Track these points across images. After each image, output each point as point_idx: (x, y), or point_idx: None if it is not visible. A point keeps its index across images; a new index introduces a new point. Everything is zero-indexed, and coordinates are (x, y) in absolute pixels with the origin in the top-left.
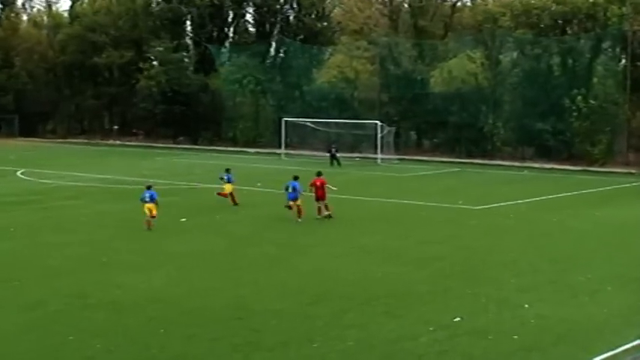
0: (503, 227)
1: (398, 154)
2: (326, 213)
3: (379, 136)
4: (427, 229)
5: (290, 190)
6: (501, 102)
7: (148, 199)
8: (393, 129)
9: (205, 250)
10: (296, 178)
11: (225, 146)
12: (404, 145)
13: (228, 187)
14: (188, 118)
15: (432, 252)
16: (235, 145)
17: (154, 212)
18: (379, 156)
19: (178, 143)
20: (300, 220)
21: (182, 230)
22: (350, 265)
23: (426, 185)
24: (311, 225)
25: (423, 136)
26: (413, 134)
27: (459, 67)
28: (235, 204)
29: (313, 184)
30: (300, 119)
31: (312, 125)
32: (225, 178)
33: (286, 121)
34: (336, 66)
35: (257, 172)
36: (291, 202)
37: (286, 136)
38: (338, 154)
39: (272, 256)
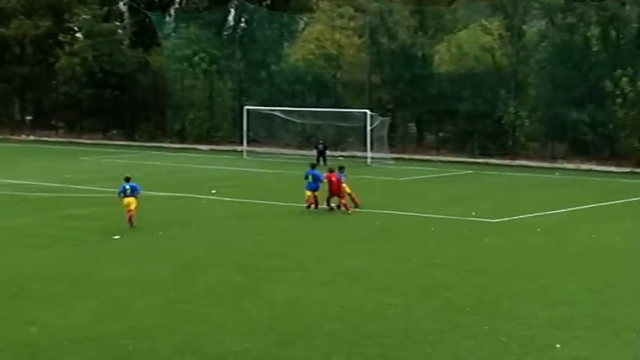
0: (529, 245)
1: (393, 152)
2: (334, 205)
3: (369, 128)
4: (432, 248)
5: (310, 179)
6: (525, 85)
7: (129, 193)
8: (387, 120)
9: (147, 277)
10: (313, 165)
11: (171, 142)
12: (401, 141)
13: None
14: (122, 106)
15: (438, 278)
16: (184, 140)
17: (133, 207)
18: (369, 154)
19: (110, 138)
20: (314, 209)
21: (116, 251)
22: (334, 294)
23: (429, 192)
24: (285, 242)
25: (426, 129)
26: (412, 127)
27: (470, 41)
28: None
29: (328, 179)
30: (268, 108)
31: (283, 115)
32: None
33: (249, 110)
34: (314, 39)
35: (212, 176)
36: (310, 194)
37: (249, 130)
38: (327, 151)
39: (234, 284)
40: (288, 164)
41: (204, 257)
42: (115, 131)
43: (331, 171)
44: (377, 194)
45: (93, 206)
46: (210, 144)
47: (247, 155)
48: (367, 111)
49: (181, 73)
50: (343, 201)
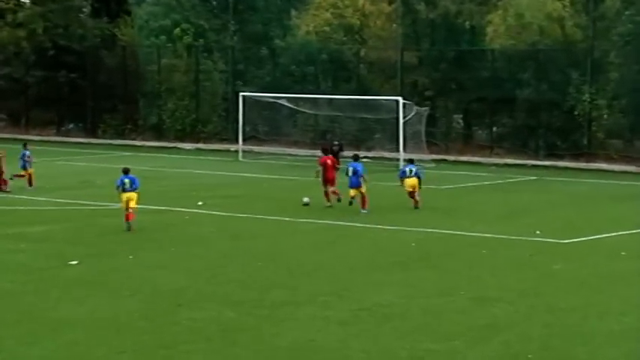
0: (610, 274)
1: (433, 153)
2: (335, 198)
3: (401, 122)
4: (484, 277)
5: (350, 173)
6: (604, 66)
7: (128, 187)
8: (425, 111)
9: (113, 315)
10: (356, 158)
11: (145, 139)
12: (443, 138)
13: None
14: (82, 92)
15: (492, 316)
16: (161, 137)
17: (133, 204)
18: (402, 156)
19: (66, 135)
20: (365, 211)
21: (74, 281)
22: (357, 337)
23: (480, 204)
24: (293, 270)
25: (475, 123)
26: (458, 120)
27: (533, 8)
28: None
29: (323, 163)
30: (270, 95)
31: (291, 105)
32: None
33: (246, 97)
34: (330, 5)
35: (198, 183)
36: (353, 192)
37: (246, 124)
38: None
39: (226, 323)
40: (296, 168)
41: (187, 289)
42: (72, 125)
43: (325, 152)
44: (412, 207)
45: (44, 223)
46: (196, 142)
47: (244, 157)
48: (399, 99)
49: (158, 50)
50: (332, 188)
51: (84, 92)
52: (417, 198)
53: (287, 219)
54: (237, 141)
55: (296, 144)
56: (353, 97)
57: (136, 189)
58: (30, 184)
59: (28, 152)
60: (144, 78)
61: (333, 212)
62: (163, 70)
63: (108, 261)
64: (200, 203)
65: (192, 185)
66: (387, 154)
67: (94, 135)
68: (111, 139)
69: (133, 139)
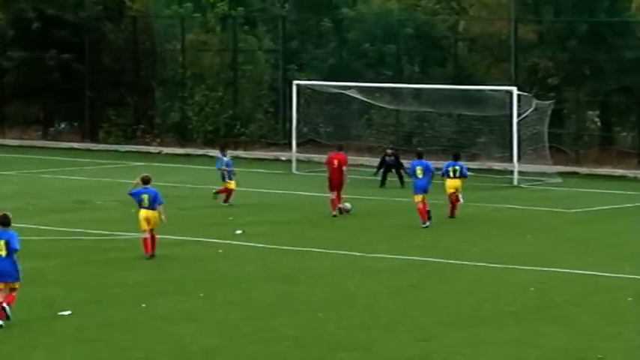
0: None
1: (558, 164)
2: (342, 206)
3: (515, 121)
4: (627, 334)
5: (419, 174)
6: None
7: (146, 202)
8: (549, 106)
9: None
10: (420, 155)
11: (163, 145)
12: (573, 143)
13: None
14: (78, 80)
15: None
16: (185, 142)
17: (151, 224)
18: (516, 167)
19: (56, 138)
20: (427, 224)
21: (67, 338)
22: None
23: (623, 234)
24: (365, 323)
25: (618, 122)
26: (593, 117)
27: None
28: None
29: (329, 163)
30: (335, 84)
31: (363, 97)
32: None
33: (302, 87)
34: None
35: (234, 206)
36: (420, 197)
37: (302, 123)
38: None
39: None
40: (371, 183)
41: (221, 350)
42: (64, 125)
43: (340, 149)
44: (530, 237)
45: (27, 259)
46: (234, 147)
47: (298, 168)
48: (513, 89)
49: (181, 23)
50: (332, 196)
51: (80, 79)
52: (459, 202)
53: (356, 254)
54: (289, 147)
55: (370, 151)
56: (449, 87)
57: (155, 207)
58: (226, 199)
59: (226, 159)
60: (162, 60)
61: (419, 244)
62: (189, 50)
63: (112, 311)
64: (239, 232)
65: (228, 207)
66: (496, 165)
67: (94, 138)
68: (117, 143)
69: (147, 144)
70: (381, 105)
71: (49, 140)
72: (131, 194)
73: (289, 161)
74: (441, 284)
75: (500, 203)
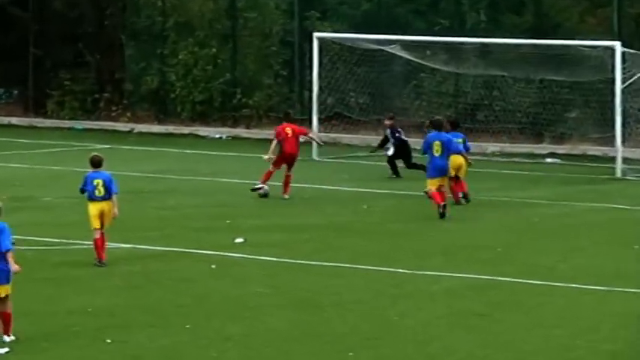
0: None
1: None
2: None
3: (619, 89)
4: None
5: (439, 150)
6: None
7: (101, 191)
8: None
9: None
10: (438, 124)
11: (136, 120)
12: (635, 121)
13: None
14: (19, 31)
15: None
16: (166, 116)
17: (107, 220)
18: (619, 151)
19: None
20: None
21: None
22: None
23: None
24: (416, 358)
25: None
26: None
27: None
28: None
29: (281, 133)
30: (369, 37)
31: (410, 56)
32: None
33: (325, 41)
34: None
35: (233, 205)
36: (435, 182)
37: (325, 91)
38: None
39: None
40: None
41: None
42: (1, 92)
43: (289, 120)
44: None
45: None
46: (232, 124)
47: (321, 153)
48: (615, 45)
49: None
50: (288, 173)
51: (22, 31)
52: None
53: (401, 270)
54: (309, 123)
55: (419, 129)
56: (528, 42)
57: (110, 197)
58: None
59: None
60: (134, 4)
61: (487, 258)
62: None
63: (65, 348)
64: (239, 240)
65: (225, 206)
66: (592, 150)
67: (41, 112)
68: (72, 118)
69: (114, 120)
70: (435, 67)
71: None
72: (84, 185)
73: (309, 143)
74: (517, 313)
75: (599, 202)
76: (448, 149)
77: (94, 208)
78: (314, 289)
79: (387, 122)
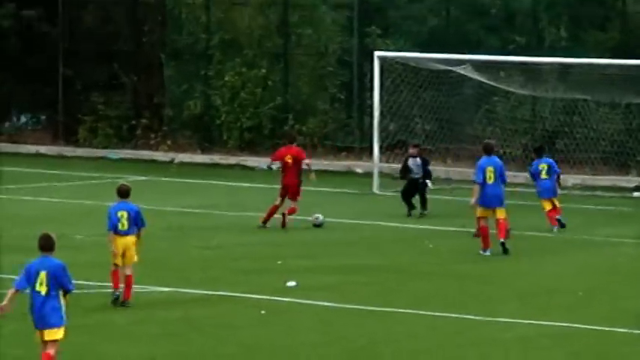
0: None
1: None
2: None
3: None
4: None
5: (491, 176)
6: None
7: (122, 229)
8: None
9: None
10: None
11: (177, 148)
12: None
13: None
14: (46, 48)
15: None
16: (211, 144)
17: (130, 257)
18: None
19: (13, 138)
20: (486, 252)
21: None
22: None
23: None
24: None
25: None
26: None
27: None
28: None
29: (280, 157)
30: (438, 56)
31: (481, 78)
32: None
33: (386, 59)
34: None
35: (285, 243)
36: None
37: (387, 115)
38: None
39: None
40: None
41: None
42: (25, 118)
43: (292, 141)
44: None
45: None
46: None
47: (383, 185)
48: None
49: None
50: (293, 204)
51: (51, 49)
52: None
53: (471, 317)
54: (369, 153)
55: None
56: (612, 62)
57: (136, 231)
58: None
59: None
60: (175, 20)
61: (566, 303)
62: (216, 5)
63: None
64: (291, 284)
65: (275, 245)
66: None
67: (72, 139)
68: (105, 147)
69: (152, 148)
70: (510, 89)
71: (2, 142)
72: (110, 218)
73: (369, 174)
74: None
75: None
76: (502, 176)
77: (116, 243)
78: (371, 338)
79: (412, 150)
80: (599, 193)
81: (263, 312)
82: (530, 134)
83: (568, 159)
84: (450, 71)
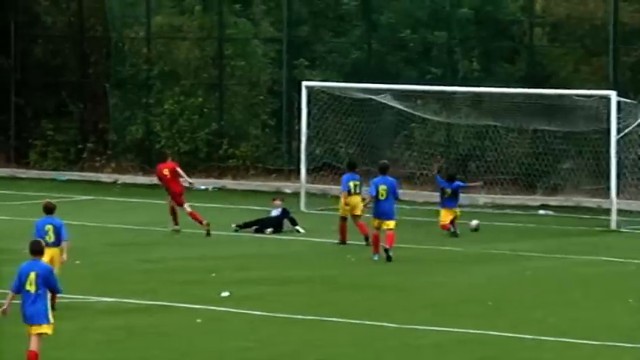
0: None
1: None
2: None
3: (614, 139)
4: None
5: (382, 194)
6: None
7: (49, 241)
8: None
9: None
10: (385, 168)
11: (120, 170)
12: (630, 172)
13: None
14: (6, 84)
15: None
16: (150, 167)
17: (56, 267)
18: (614, 204)
19: None
20: (374, 257)
21: None
22: None
23: None
24: None
25: None
26: None
27: None
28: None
29: (159, 173)
30: (361, 86)
31: (401, 106)
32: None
33: (314, 90)
34: None
35: (220, 258)
36: (385, 224)
37: (313, 140)
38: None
39: None
40: (416, 226)
41: None
42: None
43: (165, 159)
44: (634, 303)
45: None
46: (218, 175)
47: (309, 204)
48: (611, 94)
49: (147, 1)
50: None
51: (4, 79)
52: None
53: (389, 325)
54: (297, 174)
55: (410, 180)
56: (520, 91)
57: (59, 243)
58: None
59: None
60: (119, 53)
61: (477, 312)
62: (156, 39)
63: None
64: (225, 294)
65: (211, 259)
66: (586, 201)
67: (23, 162)
68: (54, 169)
69: (98, 170)
70: (426, 116)
71: None
72: (35, 232)
73: (296, 194)
74: None
75: (592, 255)
76: (394, 193)
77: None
78: (298, 344)
79: (278, 202)
80: (508, 211)
81: (199, 320)
82: (445, 157)
83: (480, 180)
84: (372, 100)
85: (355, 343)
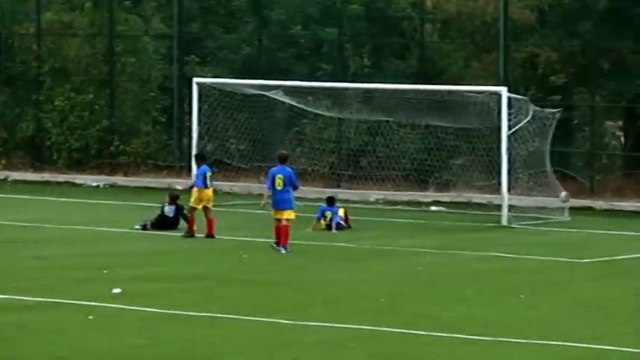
0: None
1: (569, 193)
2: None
3: (505, 135)
4: None
5: (280, 184)
6: None
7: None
8: (554, 115)
9: None
10: (284, 158)
11: (11, 167)
12: (586, 166)
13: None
14: None
15: None
16: (41, 164)
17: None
18: (505, 198)
19: None
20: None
21: None
22: None
23: None
24: None
25: None
26: (614, 129)
27: None
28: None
29: None
30: (252, 82)
31: (293, 102)
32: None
33: (205, 86)
34: None
35: (111, 254)
36: (284, 214)
37: (204, 136)
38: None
39: None
40: (303, 222)
41: None
42: None
43: None
44: (525, 299)
45: None
46: (110, 172)
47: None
48: (501, 90)
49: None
50: None
51: None
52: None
53: (281, 321)
54: (189, 170)
55: (301, 177)
56: (410, 87)
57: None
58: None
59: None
60: (8, 50)
61: (370, 308)
62: (47, 35)
63: None
64: (117, 291)
65: (103, 256)
66: (477, 197)
67: None
68: None
69: None
70: (317, 112)
71: None
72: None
73: (187, 191)
74: None
75: (484, 250)
76: (292, 183)
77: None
78: (191, 341)
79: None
80: (400, 207)
81: (91, 317)
82: (337, 153)
83: (372, 176)
84: (263, 96)
85: (248, 339)
